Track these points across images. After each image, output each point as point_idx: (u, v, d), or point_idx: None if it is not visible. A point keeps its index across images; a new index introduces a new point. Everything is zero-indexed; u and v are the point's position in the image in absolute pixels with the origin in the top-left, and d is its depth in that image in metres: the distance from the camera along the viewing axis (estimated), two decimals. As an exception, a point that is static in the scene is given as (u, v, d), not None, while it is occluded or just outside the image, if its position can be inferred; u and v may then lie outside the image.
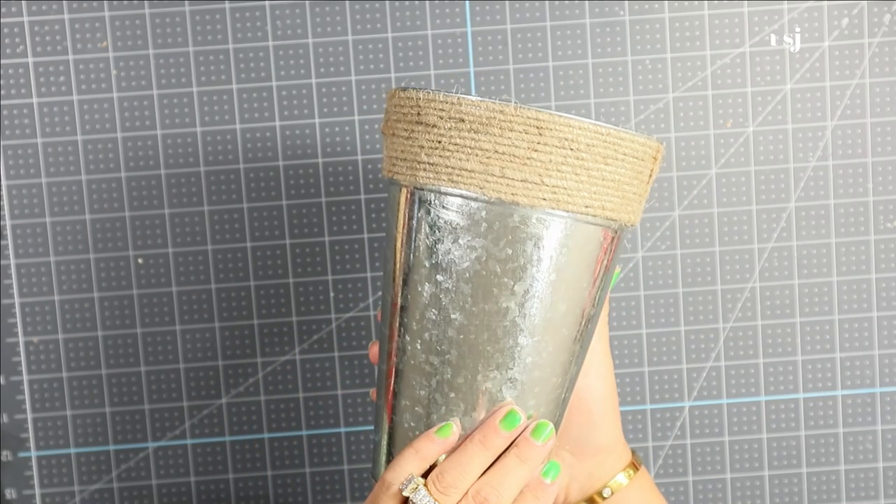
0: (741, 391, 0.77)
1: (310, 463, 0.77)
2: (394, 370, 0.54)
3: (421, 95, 0.51)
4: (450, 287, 0.51)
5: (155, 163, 0.75)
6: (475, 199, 0.50)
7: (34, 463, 0.77)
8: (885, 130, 0.75)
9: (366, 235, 0.75)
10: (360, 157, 0.75)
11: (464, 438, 0.52)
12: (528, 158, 0.50)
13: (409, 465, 0.51)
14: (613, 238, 0.53)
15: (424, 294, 0.52)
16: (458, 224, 0.51)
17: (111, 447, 0.77)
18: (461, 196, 0.50)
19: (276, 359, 0.76)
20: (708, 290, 0.76)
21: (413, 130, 0.52)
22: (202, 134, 0.75)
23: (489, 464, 0.51)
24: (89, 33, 0.74)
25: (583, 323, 0.53)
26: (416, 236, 0.52)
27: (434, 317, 0.52)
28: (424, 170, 0.51)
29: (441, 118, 0.51)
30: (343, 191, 0.75)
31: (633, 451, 0.60)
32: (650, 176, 0.53)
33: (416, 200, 0.52)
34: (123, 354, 0.76)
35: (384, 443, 0.54)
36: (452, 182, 0.50)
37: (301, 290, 0.76)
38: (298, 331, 0.76)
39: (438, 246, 0.51)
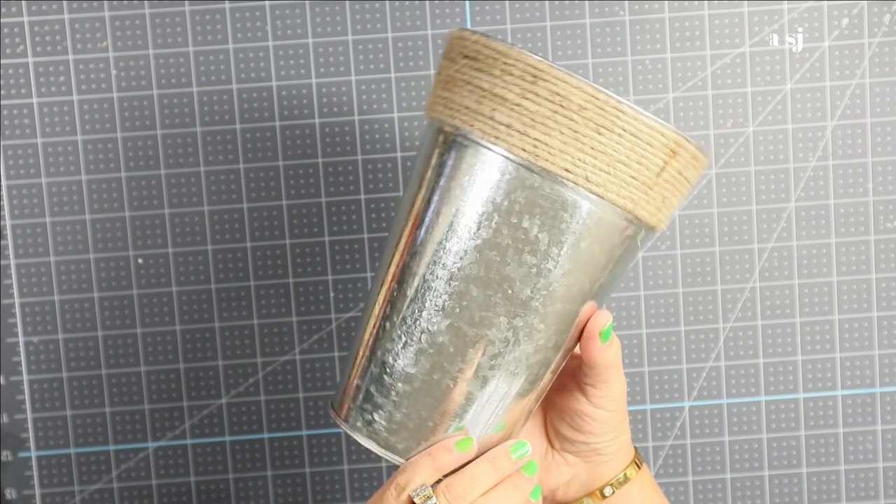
0: (741, 391, 0.77)
1: (310, 463, 0.77)
2: (374, 299, 0.55)
3: (455, 33, 0.53)
4: (427, 223, 0.52)
5: (155, 163, 0.75)
6: (464, 137, 0.51)
7: (34, 463, 0.77)
8: (885, 130, 0.75)
9: (366, 235, 0.76)
10: (360, 157, 0.75)
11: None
12: (516, 105, 0.50)
13: (423, 472, 0.52)
14: (605, 221, 0.51)
15: (405, 229, 0.53)
16: (446, 159, 0.52)
17: (111, 447, 0.77)
18: (454, 132, 0.51)
19: (276, 359, 0.76)
20: (708, 290, 0.76)
21: (442, 66, 0.54)
22: (202, 134, 0.75)
23: (493, 484, 0.53)
24: (89, 33, 0.74)
25: (547, 300, 0.51)
26: (415, 163, 0.54)
27: (403, 249, 0.53)
28: (435, 102, 0.53)
29: (460, 54, 0.52)
30: (343, 191, 0.75)
31: (636, 449, 0.60)
32: (663, 168, 0.51)
33: (427, 131, 0.54)
34: (123, 354, 0.76)
35: (354, 373, 0.55)
36: (451, 116, 0.52)
37: (301, 290, 0.76)
38: (298, 331, 0.76)
39: (428, 177, 0.52)
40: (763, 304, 0.76)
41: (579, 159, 0.50)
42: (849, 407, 0.77)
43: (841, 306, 0.76)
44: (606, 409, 0.57)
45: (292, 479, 0.77)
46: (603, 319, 0.54)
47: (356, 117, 0.75)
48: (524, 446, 0.54)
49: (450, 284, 0.51)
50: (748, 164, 0.75)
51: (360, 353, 0.54)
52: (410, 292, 0.52)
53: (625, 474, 0.59)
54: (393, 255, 0.54)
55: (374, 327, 0.54)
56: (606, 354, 0.54)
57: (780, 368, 0.77)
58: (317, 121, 0.75)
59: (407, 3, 0.74)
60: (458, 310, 0.51)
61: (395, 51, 0.74)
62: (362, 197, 0.75)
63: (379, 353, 0.53)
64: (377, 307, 0.54)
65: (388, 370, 0.53)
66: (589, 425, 0.57)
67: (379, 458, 0.77)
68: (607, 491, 0.58)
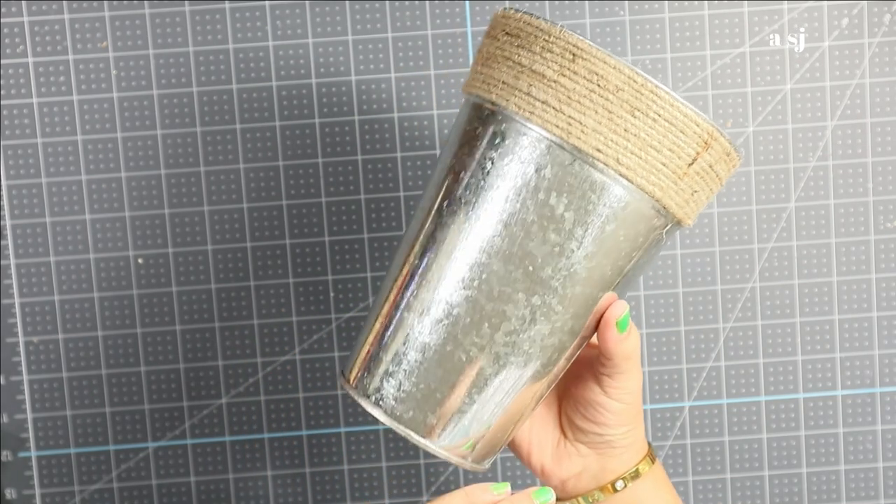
0: (741, 391, 0.77)
1: (310, 463, 0.77)
2: (396, 268, 0.55)
3: (500, 12, 0.54)
4: (455, 194, 0.52)
5: (155, 163, 0.75)
6: (499, 111, 0.51)
7: (34, 463, 0.77)
8: (885, 130, 0.75)
9: (366, 235, 0.76)
10: (360, 157, 0.75)
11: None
12: (553, 82, 0.50)
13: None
14: (632, 207, 0.51)
15: (434, 200, 0.53)
16: (479, 132, 0.52)
17: (111, 447, 0.77)
18: (489, 106, 0.52)
19: (276, 359, 0.76)
20: (708, 290, 0.76)
21: (483, 44, 0.54)
22: (202, 134, 0.75)
23: None
24: (89, 33, 0.74)
25: (567, 281, 0.51)
26: (448, 137, 0.55)
27: (429, 219, 0.53)
28: (474, 78, 0.54)
29: (502, 31, 0.52)
30: (343, 191, 0.75)
31: (650, 445, 0.60)
32: (694, 159, 0.51)
33: (462, 108, 0.55)
34: (123, 354, 0.76)
35: (367, 340, 0.55)
36: (487, 91, 0.52)
37: (301, 290, 0.76)
38: (298, 331, 0.76)
39: (459, 150, 0.53)
40: (763, 304, 0.76)
41: (612, 140, 0.50)
42: (849, 407, 0.77)
43: (841, 306, 0.76)
44: (621, 400, 0.57)
45: (292, 479, 0.77)
46: (619, 309, 0.54)
47: (356, 117, 0.75)
48: (548, 493, 0.55)
49: (470, 254, 0.51)
50: (748, 164, 0.75)
51: (376, 321, 0.55)
52: (432, 261, 0.52)
53: (637, 469, 0.58)
54: (419, 225, 0.54)
55: (392, 295, 0.54)
56: (624, 345, 0.54)
57: (780, 368, 0.77)
58: (317, 121, 0.75)
59: (407, 3, 0.74)
60: (476, 282, 0.51)
61: (395, 51, 0.74)
62: (362, 197, 0.75)
63: (394, 320, 0.53)
64: (399, 275, 0.54)
65: (401, 338, 0.53)
66: (603, 416, 0.57)
67: (379, 458, 0.77)
68: (619, 485, 0.58)
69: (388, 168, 0.75)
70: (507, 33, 0.52)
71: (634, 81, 0.49)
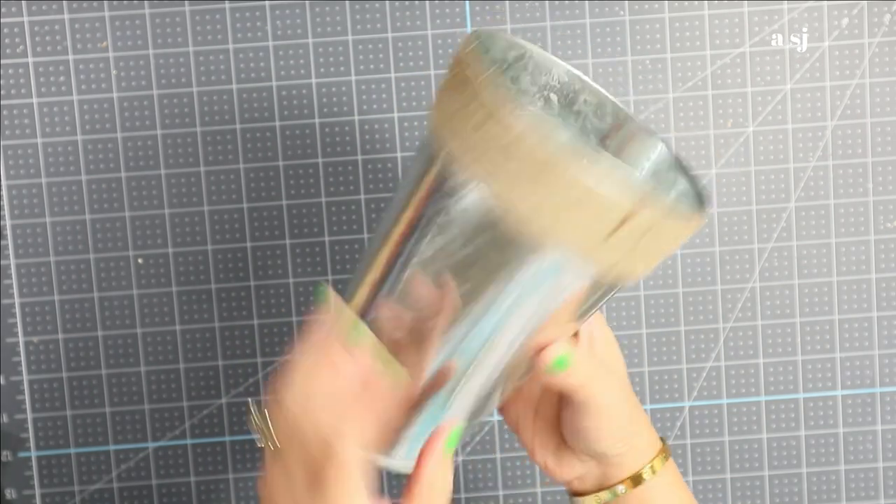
0: (741, 391, 0.77)
1: (310, 463, 0.77)
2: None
3: (471, 33, 0.54)
4: (400, 235, 0.52)
5: (155, 163, 0.75)
6: (431, 144, 0.51)
7: (34, 463, 0.77)
8: (885, 130, 0.75)
9: (366, 235, 0.76)
10: (359, 157, 0.75)
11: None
12: (473, 132, 0.48)
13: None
14: (547, 262, 0.48)
15: (392, 220, 0.54)
16: (418, 160, 0.53)
17: (111, 447, 0.77)
18: (427, 136, 0.52)
19: (276, 359, 0.76)
20: (708, 290, 0.76)
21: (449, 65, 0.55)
22: (202, 134, 0.75)
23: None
24: (89, 33, 0.74)
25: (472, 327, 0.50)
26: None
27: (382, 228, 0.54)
28: (432, 115, 0.53)
29: (456, 60, 0.51)
30: (343, 191, 0.75)
31: (663, 446, 0.60)
32: (621, 224, 0.47)
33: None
34: (123, 354, 0.76)
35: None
36: (429, 120, 0.52)
37: (301, 289, 0.76)
38: (298, 331, 0.76)
39: (410, 177, 0.53)
40: (763, 304, 0.76)
41: (524, 196, 0.47)
42: (849, 407, 0.77)
43: (841, 306, 0.76)
44: (598, 420, 0.56)
45: (292, 479, 0.77)
46: (550, 355, 0.52)
47: (356, 117, 0.75)
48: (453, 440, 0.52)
49: (402, 273, 0.52)
50: (748, 164, 0.75)
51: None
52: (369, 273, 0.53)
53: (640, 474, 0.58)
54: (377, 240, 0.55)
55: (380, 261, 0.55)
56: (570, 381, 0.54)
57: (780, 368, 0.77)
58: (317, 121, 0.75)
59: (407, 3, 0.74)
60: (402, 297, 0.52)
61: (395, 51, 0.74)
62: (362, 197, 0.75)
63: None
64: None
65: None
66: (588, 434, 0.57)
67: (379, 458, 0.77)
68: (620, 489, 0.58)
69: (388, 168, 0.75)
70: (458, 63, 0.50)
71: (547, 146, 0.46)
